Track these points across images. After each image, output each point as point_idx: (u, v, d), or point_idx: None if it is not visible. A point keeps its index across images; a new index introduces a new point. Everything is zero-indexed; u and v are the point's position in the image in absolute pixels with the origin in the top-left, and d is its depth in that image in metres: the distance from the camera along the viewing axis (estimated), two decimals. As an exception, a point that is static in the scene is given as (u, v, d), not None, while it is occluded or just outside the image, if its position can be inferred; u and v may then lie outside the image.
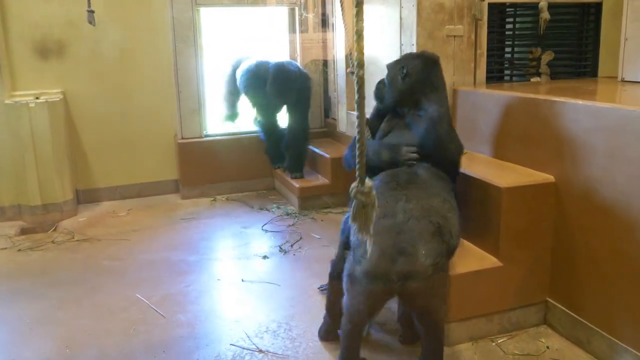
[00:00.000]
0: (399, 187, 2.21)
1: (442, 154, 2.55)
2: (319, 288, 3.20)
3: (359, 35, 1.52)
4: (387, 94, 2.80)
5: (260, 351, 2.64)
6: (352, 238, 2.18)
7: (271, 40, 5.51)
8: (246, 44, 5.43)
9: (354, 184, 1.66)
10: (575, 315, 2.59)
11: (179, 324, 2.93)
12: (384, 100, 2.84)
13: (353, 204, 1.67)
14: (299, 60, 5.42)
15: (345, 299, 2.20)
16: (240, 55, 5.24)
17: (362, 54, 1.55)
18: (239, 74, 5.08)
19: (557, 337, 2.67)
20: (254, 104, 5.16)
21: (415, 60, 2.70)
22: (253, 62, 5.02)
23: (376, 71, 3.92)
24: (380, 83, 2.86)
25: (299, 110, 4.99)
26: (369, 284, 2.05)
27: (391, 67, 2.80)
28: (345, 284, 2.17)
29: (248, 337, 2.77)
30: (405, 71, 2.67)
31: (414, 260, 2.02)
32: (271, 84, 4.80)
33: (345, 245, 2.46)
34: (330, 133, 5.56)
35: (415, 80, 2.66)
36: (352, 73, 1.75)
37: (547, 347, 2.59)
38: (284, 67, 4.84)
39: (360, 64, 1.55)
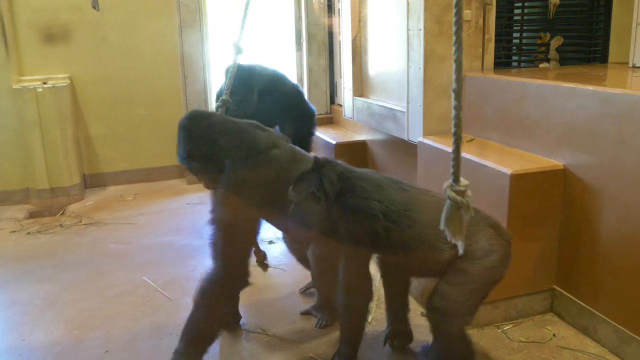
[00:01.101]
0: (390, 181, 2.14)
1: None
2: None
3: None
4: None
5: (266, 335, 2.66)
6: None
7: (277, 27, 5.48)
8: (251, 30, 5.38)
9: (446, 183, 1.49)
10: (582, 303, 2.58)
11: (185, 307, 2.93)
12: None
13: (446, 204, 1.48)
14: (304, 45, 5.38)
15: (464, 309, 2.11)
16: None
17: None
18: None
19: (564, 325, 2.66)
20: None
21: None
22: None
23: (381, 56, 3.90)
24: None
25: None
26: (503, 273, 2.10)
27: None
28: (478, 282, 2.07)
29: (254, 320, 2.79)
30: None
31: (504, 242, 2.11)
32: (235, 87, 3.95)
33: None
34: (335, 119, 5.54)
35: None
36: None
37: (554, 335, 2.59)
38: (244, 67, 3.71)
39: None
